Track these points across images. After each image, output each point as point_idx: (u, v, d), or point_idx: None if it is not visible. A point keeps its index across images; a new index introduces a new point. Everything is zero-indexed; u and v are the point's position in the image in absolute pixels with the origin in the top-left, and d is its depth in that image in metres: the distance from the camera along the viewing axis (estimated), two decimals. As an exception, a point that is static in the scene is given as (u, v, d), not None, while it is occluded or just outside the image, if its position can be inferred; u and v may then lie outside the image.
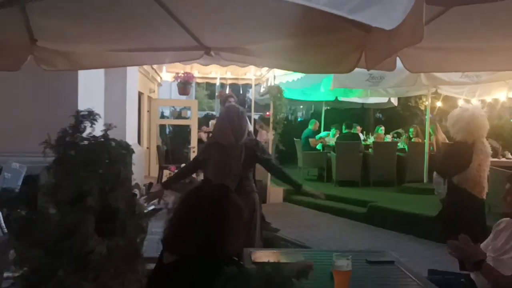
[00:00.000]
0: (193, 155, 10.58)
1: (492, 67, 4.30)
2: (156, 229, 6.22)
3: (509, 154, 7.60)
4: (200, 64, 8.26)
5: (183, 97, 12.80)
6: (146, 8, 2.80)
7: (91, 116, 1.62)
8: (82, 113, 1.63)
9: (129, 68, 6.99)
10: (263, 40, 3.01)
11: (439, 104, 10.64)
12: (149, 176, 10.06)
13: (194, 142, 10.71)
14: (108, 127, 1.64)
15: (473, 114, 4.42)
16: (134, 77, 7.76)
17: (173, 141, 12.34)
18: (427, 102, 9.48)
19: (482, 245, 2.72)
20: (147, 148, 10.25)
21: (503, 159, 7.46)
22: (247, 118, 4.16)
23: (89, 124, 1.65)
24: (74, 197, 1.37)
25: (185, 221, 1.70)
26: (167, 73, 10.50)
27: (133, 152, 6.48)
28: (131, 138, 7.32)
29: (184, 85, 8.33)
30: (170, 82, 11.55)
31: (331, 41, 2.54)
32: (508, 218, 2.70)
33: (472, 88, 8.91)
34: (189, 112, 12.36)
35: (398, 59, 3.45)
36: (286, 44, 2.81)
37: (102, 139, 1.62)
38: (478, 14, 2.60)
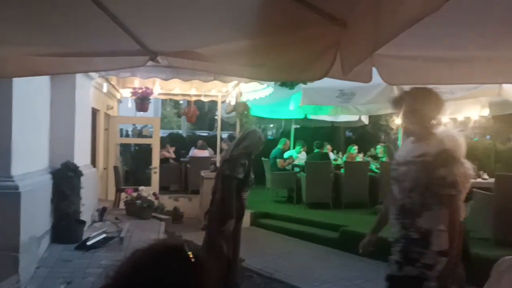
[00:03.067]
0: (154, 176, 9.93)
1: (475, 80, 3.93)
2: (105, 262, 5.43)
3: (485, 174, 7.30)
4: (161, 79, 7.71)
5: (147, 115, 12.20)
6: (80, 6, 2.24)
7: None
8: None
9: (78, 81, 6.35)
10: (218, 41, 2.49)
11: (410, 122, 10.36)
12: (106, 199, 9.32)
13: (155, 162, 10.04)
14: None
15: (451, 134, 4.28)
16: (86, 91, 7.11)
17: (134, 161, 11.65)
18: (399, 120, 9.14)
19: (483, 290, 2.28)
20: (104, 169, 9.52)
21: (479, 180, 7.14)
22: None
23: None
24: None
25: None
26: (128, 89, 9.87)
27: (81, 174, 5.76)
28: (81, 158, 6.64)
29: (142, 101, 7.73)
30: (132, 99, 10.90)
31: (298, 40, 2.04)
32: (509, 257, 2.26)
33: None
34: (151, 130, 11.73)
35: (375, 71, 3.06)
36: (244, 45, 2.29)
37: None
38: (464, 20, 2.19)
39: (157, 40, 2.76)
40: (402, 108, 2.86)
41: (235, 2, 2.16)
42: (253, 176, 4.60)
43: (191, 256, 1.14)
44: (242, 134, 4.67)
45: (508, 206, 5.11)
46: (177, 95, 10.14)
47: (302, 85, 8.01)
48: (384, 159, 10.31)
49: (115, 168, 9.38)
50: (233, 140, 10.78)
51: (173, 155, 12.60)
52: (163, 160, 11.33)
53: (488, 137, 12.40)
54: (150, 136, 11.79)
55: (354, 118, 12.02)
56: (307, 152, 11.41)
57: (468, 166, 4.44)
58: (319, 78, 2.09)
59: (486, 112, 8.22)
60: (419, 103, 2.77)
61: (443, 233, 2.62)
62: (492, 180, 6.47)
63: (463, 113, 8.84)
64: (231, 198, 4.29)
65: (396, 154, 2.99)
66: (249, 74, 2.86)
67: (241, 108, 8.70)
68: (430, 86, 6.53)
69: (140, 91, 8.06)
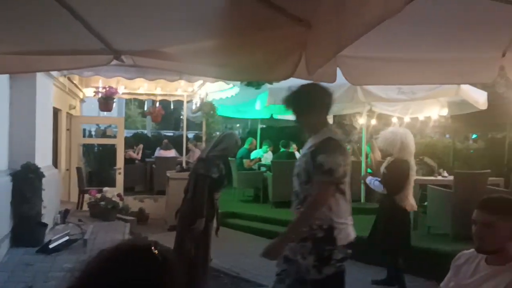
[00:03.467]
0: (119, 177, 9.76)
1: (435, 80, 4.07)
2: (68, 265, 5.29)
3: (445, 172, 7.53)
4: (125, 78, 7.58)
5: (110, 114, 11.97)
6: (41, 3, 2.19)
7: None
8: None
9: (39, 80, 6.17)
10: (184, 41, 2.48)
11: (374, 122, 10.58)
12: (69, 201, 9.09)
13: (120, 163, 9.87)
14: None
15: (405, 133, 4.82)
16: (47, 91, 6.92)
17: (97, 162, 11.41)
18: (362, 120, 9.31)
19: (442, 284, 2.36)
20: (67, 170, 9.28)
21: (439, 177, 7.37)
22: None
23: None
24: None
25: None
26: (91, 88, 9.67)
27: (42, 175, 5.62)
28: (43, 159, 6.46)
29: (106, 100, 7.58)
30: (95, 99, 10.68)
31: (263, 41, 2.06)
32: (467, 251, 2.35)
33: (406, 106, 8.85)
34: (115, 131, 11.53)
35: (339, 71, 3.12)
36: (209, 45, 2.30)
37: None
38: (424, 23, 2.27)
39: (121, 39, 2.72)
40: (294, 107, 2.91)
41: (201, 1, 2.16)
42: (226, 180, 4.69)
43: (158, 256, 1.13)
44: (219, 136, 4.72)
45: (466, 202, 5.30)
46: (142, 94, 10.00)
47: (268, 85, 8.06)
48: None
49: (78, 169, 9.17)
50: (200, 140, 10.74)
51: (139, 157, 12.42)
52: (128, 161, 11.15)
53: (447, 136, 12.79)
54: (114, 136, 11.59)
55: (319, 117, 12.14)
56: (274, 152, 11.49)
57: (413, 162, 4.78)
58: (284, 79, 2.12)
59: (445, 112, 8.48)
60: (308, 99, 2.82)
61: (344, 225, 2.71)
62: (451, 177, 6.69)
63: (423, 113, 9.09)
64: (203, 197, 4.28)
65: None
66: (215, 73, 2.87)
67: (207, 108, 8.68)
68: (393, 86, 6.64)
69: (103, 90, 7.89)
